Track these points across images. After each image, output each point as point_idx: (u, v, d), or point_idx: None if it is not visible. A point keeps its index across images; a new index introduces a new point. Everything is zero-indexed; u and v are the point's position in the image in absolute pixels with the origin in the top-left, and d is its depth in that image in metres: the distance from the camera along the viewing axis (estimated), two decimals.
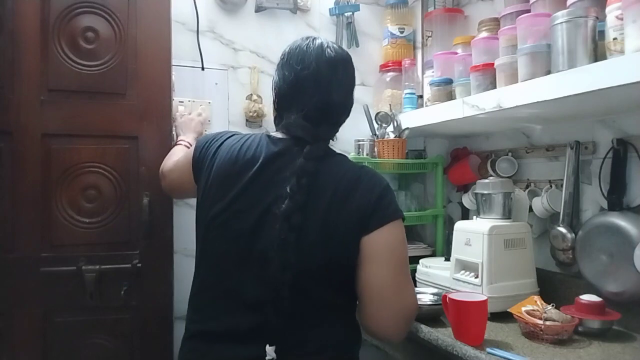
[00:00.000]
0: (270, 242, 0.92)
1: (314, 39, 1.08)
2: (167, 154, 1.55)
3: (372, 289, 0.94)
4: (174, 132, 1.63)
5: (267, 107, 2.00)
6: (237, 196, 0.97)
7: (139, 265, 1.55)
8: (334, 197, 0.94)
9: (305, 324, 0.94)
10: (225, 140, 1.08)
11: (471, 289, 1.34)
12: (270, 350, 0.89)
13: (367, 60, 2.15)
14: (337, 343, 0.97)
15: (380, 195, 0.95)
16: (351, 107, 1.10)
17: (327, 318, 0.97)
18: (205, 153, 1.08)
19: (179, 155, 1.36)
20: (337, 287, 0.97)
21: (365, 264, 0.93)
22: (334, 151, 1.06)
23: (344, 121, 1.10)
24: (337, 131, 1.10)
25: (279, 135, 1.07)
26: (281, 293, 0.90)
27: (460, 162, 1.84)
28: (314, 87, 1.03)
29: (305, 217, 0.92)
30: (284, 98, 1.09)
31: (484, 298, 1.16)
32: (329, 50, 1.05)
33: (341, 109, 1.08)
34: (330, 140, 1.08)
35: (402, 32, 2.10)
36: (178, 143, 1.54)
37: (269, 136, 1.07)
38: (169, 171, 1.36)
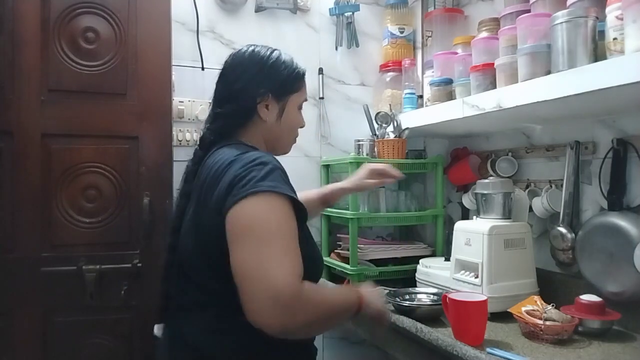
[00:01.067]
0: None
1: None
2: (167, 154, 1.56)
3: (235, 272, 0.82)
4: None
5: None
6: None
7: (139, 265, 1.55)
8: (206, 182, 0.94)
9: (184, 309, 0.98)
10: None
11: (471, 289, 1.34)
12: (156, 328, 1.00)
13: (367, 60, 2.15)
14: (208, 332, 0.94)
15: (239, 173, 0.87)
16: (237, 93, 1.05)
17: (203, 305, 0.96)
18: None
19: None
20: (213, 274, 0.92)
21: (229, 247, 0.84)
22: (235, 143, 1.01)
23: (230, 110, 1.04)
24: (224, 122, 1.05)
25: None
26: (162, 275, 1.00)
27: (460, 162, 1.84)
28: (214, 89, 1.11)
29: (187, 202, 1.00)
30: None
31: (484, 298, 1.16)
32: (233, 52, 1.11)
33: (222, 98, 1.06)
34: (226, 131, 1.05)
35: (402, 32, 2.10)
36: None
37: None
38: None
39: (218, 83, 1.09)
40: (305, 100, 1.15)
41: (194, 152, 1.06)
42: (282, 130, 1.09)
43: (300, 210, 0.90)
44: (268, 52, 1.08)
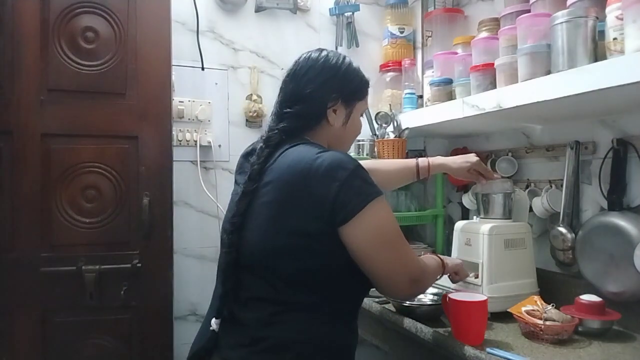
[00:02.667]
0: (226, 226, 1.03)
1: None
2: (166, 154, 1.55)
3: (376, 271, 0.95)
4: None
5: (267, 107, 2.01)
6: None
7: (139, 265, 1.55)
8: (287, 182, 0.94)
9: (240, 301, 0.98)
10: None
11: (471, 289, 1.34)
12: (214, 322, 0.99)
13: (367, 60, 2.15)
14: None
15: (344, 182, 0.91)
16: (310, 95, 1.05)
17: (264, 299, 0.96)
18: None
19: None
20: (282, 278, 0.95)
21: (359, 255, 0.94)
22: (302, 142, 1.03)
23: (300, 111, 1.05)
24: (294, 122, 1.05)
25: None
26: (224, 273, 0.99)
27: None
28: (280, 88, 1.11)
29: (251, 203, 0.98)
30: None
31: (484, 298, 1.16)
32: (305, 54, 1.10)
33: (293, 99, 1.07)
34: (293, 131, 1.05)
35: (402, 32, 2.10)
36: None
37: None
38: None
39: (289, 83, 1.08)
40: (366, 109, 1.19)
41: (259, 151, 1.03)
42: (345, 135, 1.13)
43: None
44: (341, 59, 1.10)
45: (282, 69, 2.07)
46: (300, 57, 1.11)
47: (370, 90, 1.19)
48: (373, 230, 0.93)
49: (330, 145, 1.09)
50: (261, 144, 1.04)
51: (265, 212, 0.96)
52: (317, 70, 1.07)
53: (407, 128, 1.81)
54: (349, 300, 1.02)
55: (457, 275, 1.27)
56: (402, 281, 0.97)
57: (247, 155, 1.13)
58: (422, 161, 1.41)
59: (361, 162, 1.39)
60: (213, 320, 0.99)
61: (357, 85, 1.12)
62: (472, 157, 1.40)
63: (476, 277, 1.36)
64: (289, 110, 1.05)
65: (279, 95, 1.11)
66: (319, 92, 1.06)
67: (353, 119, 1.12)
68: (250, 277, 0.97)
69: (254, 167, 1.01)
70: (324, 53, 1.10)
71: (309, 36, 2.13)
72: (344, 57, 1.11)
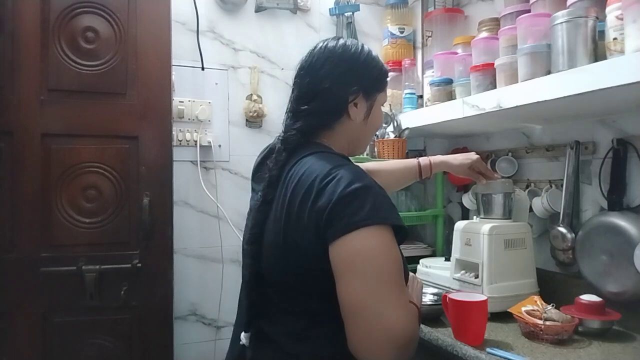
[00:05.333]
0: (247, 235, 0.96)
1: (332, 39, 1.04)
2: (167, 154, 1.55)
3: (344, 307, 0.80)
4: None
5: (267, 107, 2.01)
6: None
7: (139, 265, 1.55)
8: (296, 195, 0.86)
9: (267, 314, 0.94)
10: None
11: (471, 289, 1.34)
12: (243, 336, 0.95)
13: None
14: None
15: (344, 196, 0.80)
16: (328, 90, 0.97)
17: (288, 312, 0.92)
18: None
19: None
20: (303, 292, 0.89)
21: (336, 278, 0.82)
22: (320, 149, 0.95)
23: (318, 107, 0.97)
24: (311, 120, 0.97)
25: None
26: (248, 285, 0.94)
27: None
28: (294, 82, 1.02)
29: (268, 213, 0.91)
30: None
31: (484, 298, 1.16)
32: (321, 44, 1.01)
33: (310, 94, 0.97)
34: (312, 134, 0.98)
35: (402, 32, 2.10)
36: None
37: None
38: None
39: (303, 78, 0.99)
40: (386, 100, 1.09)
41: (277, 155, 0.95)
42: (367, 130, 1.04)
43: (402, 231, 0.86)
44: (360, 47, 1.01)
45: (283, 69, 2.07)
46: (315, 47, 1.01)
47: None
48: (358, 254, 0.79)
49: (350, 142, 1.02)
50: (279, 146, 0.96)
51: (275, 228, 0.89)
52: (334, 62, 0.97)
53: (407, 128, 1.81)
54: None
55: None
56: (376, 339, 0.77)
57: (263, 159, 1.05)
58: (424, 160, 1.40)
59: (363, 164, 1.39)
60: (242, 335, 0.94)
61: (377, 75, 1.03)
62: (473, 155, 1.40)
63: (476, 277, 1.36)
64: (305, 107, 0.97)
65: (293, 90, 1.01)
66: (338, 85, 0.96)
67: (374, 112, 1.03)
68: (275, 289, 0.92)
69: (272, 172, 0.93)
70: (341, 42, 1.00)
71: (309, 36, 2.13)
72: (363, 46, 1.03)
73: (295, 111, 0.99)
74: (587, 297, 1.21)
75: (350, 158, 1.02)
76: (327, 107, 0.97)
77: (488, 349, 1.07)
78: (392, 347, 0.77)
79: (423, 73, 1.97)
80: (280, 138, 0.98)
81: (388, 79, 1.08)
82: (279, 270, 0.89)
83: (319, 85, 0.96)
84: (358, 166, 0.92)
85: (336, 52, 0.99)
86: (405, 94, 1.91)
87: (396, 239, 0.84)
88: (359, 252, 0.79)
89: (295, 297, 0.90)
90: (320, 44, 1.01)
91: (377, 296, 0.78)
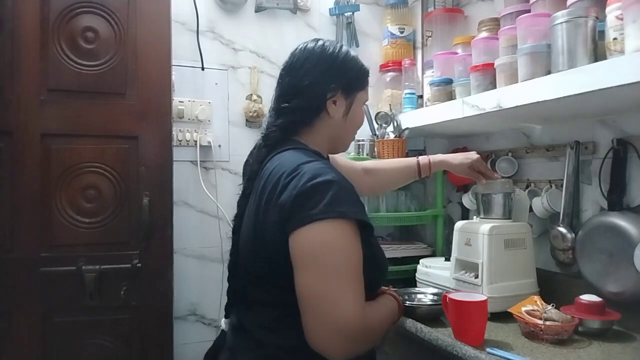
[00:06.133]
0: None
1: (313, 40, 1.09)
2: (166, 154, 1.55)
3: (299, 297, 0.83)
4: None
5: (267, 107, 2.00)
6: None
7: (139, 265, 1.55)
8: (266, 188, 0.90)
9: (246, 304, 0.98)
10: None
11: (471, 289, 1.34)
12: (223, 322, 1.01)
13: (367, 60, 2.08)
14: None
15: (304, 191, 0.83)
16: (308, 87, 1.01)
17: (265, 304, 0.95)
18: None
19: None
20: (274, 283, 0.92)
21: (294, 270, 0.84)
22: (292, 146, 0.99)
23: (298, 104, 1.00)
24: (291, 117, 1.01)
25: None
26: (230, 271, 1.00)
27: None
28: (277, 83, 1.07)
29: (247, 206, 0.97)
30: None
31: (484, 298, 1.16)
32: (301, 46, 1.06)
33: (290, 92, 1.02)
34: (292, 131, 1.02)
35: (402, 32, 2.10)
36: None
37: None
38: None
39: (286, 77, 1.04)
40: (367, 100, 1.13)
41: (257, 151, 1.01)
42: (347, 128, 1.08)
43: (367, 227, 0.89)
44: (338, 48, 1.06)
45: None
46: (296, 49, 1.07)
47: (370, 90, 1.17)
48: (313, 245, 0.82)
49: (331, 140, 1.06)
50: (259, 142, 1.02)
51: (249, 221, 0.94)
52: (314, 61, 1.02)
53: (407, 128, 1.81)
54: None
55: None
56: (327, 329, 0.80)
57: (250, 155, 1.10)
58: (423, 159, 1.41)
59: (362, 162, 1.39)
60: (223, 320, 0.99)
61: (356, 74, 1.07)
62: (473, 154, 1.40)
63: (476, 277, 1.36)
64: (286, 105, 1.01)
65: (276, 90, 1.06)
66: (317, 83, 1.01)
67: (354, 110, 1.07)
68: (249, 279, 0.96)
69: (253, 167, 0.99)
70: (320, 43, 1.05)
71: (309, 36, 2.06)
72: (341, 46, 1.07)
73: (277, 109, 1.03)
74: (587, 297, 1.21)
75: (330, 155, 1.08)
76: (306, 104, 1.01)
77: (488, 349, 1.07)
78: (342, 338, 0.80)
79: (423, 73, 1.97)
80: (262, 134, 1.04)
81: (369, 77, 1.11)
82: (251, 261, 0.94)
83: (299, 84, 1.01)
84: (327, 162, 0.96)
85: (315, 52, 1.04)
86: (405, 94, 1.91)
87: (363, 234, 0.87)
88: (312, 244, 0.82)
89: (266, 289, 0.93)
90: (301, 46, 1.06)
91: (329, 287, 0.80)
